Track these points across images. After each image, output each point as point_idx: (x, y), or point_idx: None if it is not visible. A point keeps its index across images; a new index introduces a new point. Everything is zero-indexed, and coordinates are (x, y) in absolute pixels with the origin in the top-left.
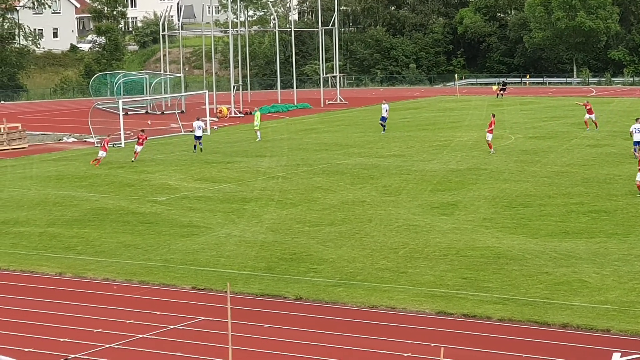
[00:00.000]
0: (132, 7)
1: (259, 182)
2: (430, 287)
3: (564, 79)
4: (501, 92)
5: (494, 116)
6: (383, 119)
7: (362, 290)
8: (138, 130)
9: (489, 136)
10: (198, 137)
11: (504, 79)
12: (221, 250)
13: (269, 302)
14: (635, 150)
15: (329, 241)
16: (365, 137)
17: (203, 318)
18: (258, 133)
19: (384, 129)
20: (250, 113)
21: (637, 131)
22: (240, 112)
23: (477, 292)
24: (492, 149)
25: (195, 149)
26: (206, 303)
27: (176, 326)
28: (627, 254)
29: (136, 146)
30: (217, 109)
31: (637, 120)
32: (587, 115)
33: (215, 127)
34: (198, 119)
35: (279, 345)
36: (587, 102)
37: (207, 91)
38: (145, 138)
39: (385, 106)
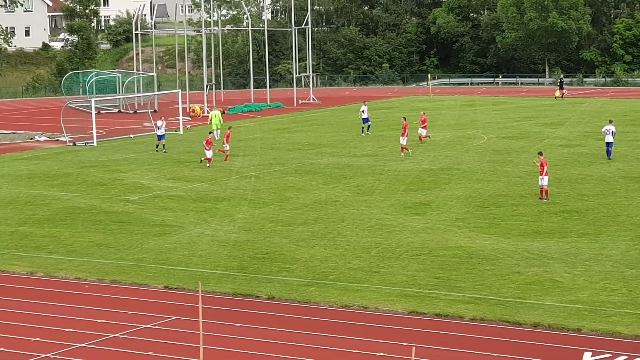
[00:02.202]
0: (104, 5)
1: (232, 182)
2: (402, 286)
3: (536, 79)
4: (563, 91)
5: (405, 119)
6: (365, 120)
7: (335, 289)
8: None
9: (403, 140)
10: (161, 137)
11: (561, 76)
12: (194, 249)
13: (241, 302)
14: (609, 153)
15: (302, 240)
16: (338, 136)
17: (175, 317)
18: (217, 132)
19: (366, 130)
20: (224, 112)
21: (608, 132)
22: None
23: (449, 292)
24: (404, 153)
25: (157, 148)
26: (178, 302)
27: (148, 325)
28: (598, 254)
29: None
30: (190, 108)
31: (610, 121)
32: (421, 130)
33: (188, 126)
34: (160, 119)
35: (251, 344)
36: (423, 113)
37: (180, 90)
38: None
39: (364, 107)
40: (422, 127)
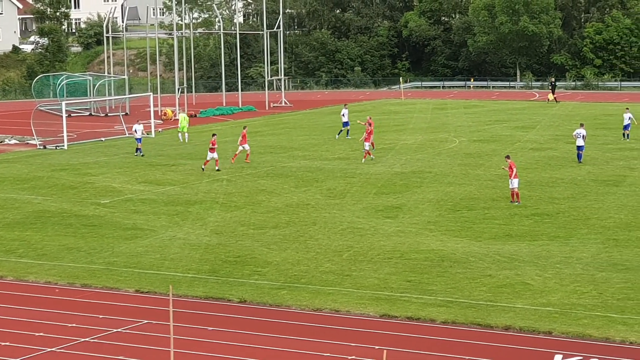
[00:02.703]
0: (75, 8)
1: (204, 185)
2: (374, 290)
3: (508, 83)
4: (554, 95)
5: (370, 121)
6: (345, 123)
7: (306, 293)
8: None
9: (367, 145)
10: (139, 140)
11: (552, 80)
12: (165, 253)
13: (213, 305)
14: (579, 156)
15: (273, 244)
16: (309, 140)
17: (146, 321)
18: (183, 135)
19: (345, 134)
20: (195, 115)
21: (579, 136)
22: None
23: (421, 295)
24: (365, 159)
25: (137, 152)
26: (149, 306)
27: (119, 329)
28: (568, 257)
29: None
30: (161, 111)
31: (581, 125)
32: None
33: (160, 129)
34: (138, 122)
35: (223, 348)
36: (370, 117)
37: (151, 93)
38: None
39: (345, 110)
40: (366, 140)
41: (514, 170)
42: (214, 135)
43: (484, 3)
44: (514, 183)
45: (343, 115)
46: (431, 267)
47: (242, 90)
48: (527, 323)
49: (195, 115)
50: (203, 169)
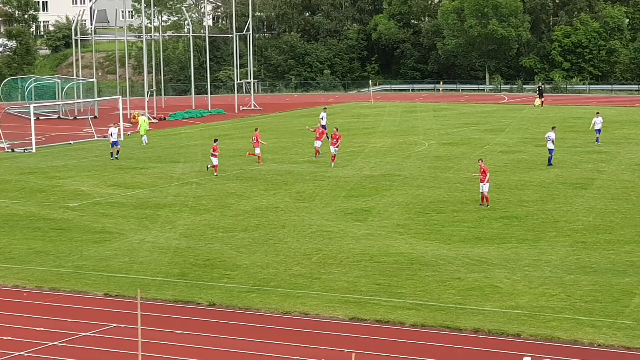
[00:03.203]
0: (44, 10)
1: (173, 188)
2: (343, 293)
3: (477, 86)
4: (541, 99)
5: (337, 129)
6: (323, 127)
7: (276, 296)
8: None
9: (333, 148)
10: (114, 143)
11: (540, 84)
12: (134, 256)
13: (182, 309)
14: (549, 159)
15: (243, 247)
16: (279, 143)
17: (115, 325)
18: (144, 138)
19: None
20: (164, 119)
21: (549, 139)
22: (154, 118)
23: (390, 298)
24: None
25: (112, 156)
26: (118, 310)
27: (87, 333)
28: (537, 259)
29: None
30: (130, 114)
31: (552, 128)
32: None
33: (129, 132)
34: (114, 125)
35: (192, 351)
36: (318, 127)
37: (120, 96)
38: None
39: (323, 114)
40: (317, 139)
41: (487, 174)
42: (215, 140)
43: (453, 6)
44: (485, 187)
45: (322, 118)
46: (400, 270)
47: (211, 94)
48: (496, 326)
49: (165, 118)
50: (216, 174)
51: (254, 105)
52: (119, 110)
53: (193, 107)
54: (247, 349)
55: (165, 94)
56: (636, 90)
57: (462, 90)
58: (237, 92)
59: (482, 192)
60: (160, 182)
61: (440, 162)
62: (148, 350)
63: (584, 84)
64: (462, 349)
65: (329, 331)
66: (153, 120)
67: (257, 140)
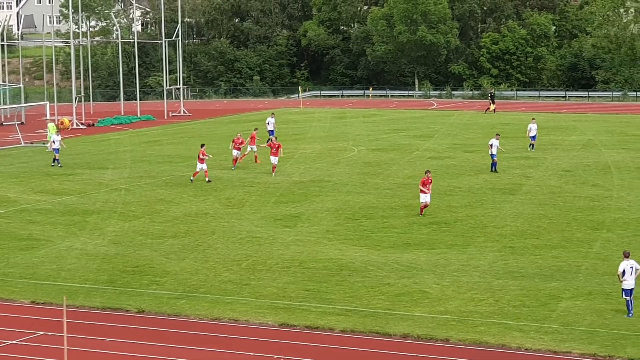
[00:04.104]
0: None
1: (102, 195)
2: (273, 299)
3: (406, 92)
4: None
5: (276, 139)
6: (271, 132)
7: (205, 302)
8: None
9: (273, 159)
10: (56, 150)
11: (491, 91)
12: (62, 263)
13: (110, 316)
14: (493, 165)
15: (172, 253)
16: (208, 149)
17: (42, 333)
18: (50, 144)
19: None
20: (93, 125)
21: (494, 146)
22: (82, 124)
23: (319, 304)
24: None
25: (53, 162)
26: (46, 317)
27: (14, 341)
28: (466, 265)
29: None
30: (58, 120)
31: (496, 135)
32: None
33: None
34: (56, 133)
35: (120, 359)
36: (240, 135)
37: (48, 102)
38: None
39: (271, 119)
40: (236, 148)
41: (429, 185)
42: (202, 145)
43: (382, 13)
44: (427, 197)
45: (268, 123)
46: (330, 276)
47: (140, 100)
48: (425, 331)
49: (93, 125)
50: (192, 180)
51: (184, 112)
52: (46, 116)
53: (122, 113)
54: (176, 355)
55: (93, 100)
56: (563, 97)
57: (391, 96)
58: (167, 98)
59: (424, 202)
60: (88, 188)
61: (369, 168)
62: (75, 358)
63: (511, 90)
64: (391, 354)
65: (259, 337)
66: (81, 127)
67: (252, 139)
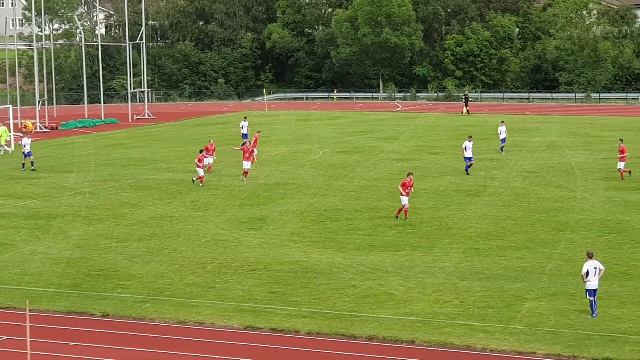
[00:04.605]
0: None
1: (66, 198)
2: (238, 301)
3: (371, 94)
4: (467, 108)
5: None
6: (244, 135)
7: (170, 305)
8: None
9: (246, 164)
10: (28, 154)
11: (466, 93)
12: (25, 267)
13: (75, 320)
14: (467, 168)
15: (137, 257)
16: (173, 152)
17: (6, 337)
18: (3, 148)
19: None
20: (56, 128)
21: (468, 149)
22: (45, 127)
23: (285, 306)
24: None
25: (24, 166)
26: (9, 322)
27: None
28: (431, 266)
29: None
30: (21, 123)
31: (469, 137)
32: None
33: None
34: (27, 136)
35: None
36: (211, 141)
37: (11, 105)
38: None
39: (244, 123)
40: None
41: (410, 188)
42: (201, 151)
43: (346, 15)
44: (405, 200)
45: (242, 127)
46: (295, 278)
47: (104, 103)
48: (391, 333)
49: (57, 128)
50: (201, 185)
51: (148, 115)
52: (9, 119)
53: (86, 117)
54: (141, 359)
55: (57, 103)
56: (526, 98)
57: (356, 98)
58: (131, 101)
59: (404, 205)
60: (52, 192)
61: (334, 170)
62: None
63: (476, 92)
64: (357, 356)
65: (224, 340)
66: (45, 130)
67: (255, 142)
